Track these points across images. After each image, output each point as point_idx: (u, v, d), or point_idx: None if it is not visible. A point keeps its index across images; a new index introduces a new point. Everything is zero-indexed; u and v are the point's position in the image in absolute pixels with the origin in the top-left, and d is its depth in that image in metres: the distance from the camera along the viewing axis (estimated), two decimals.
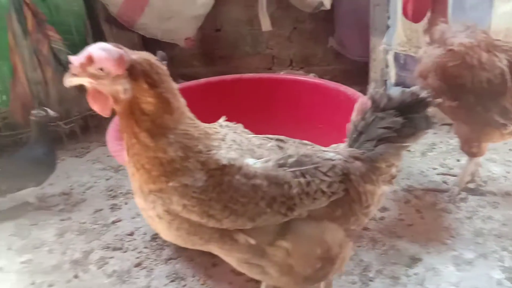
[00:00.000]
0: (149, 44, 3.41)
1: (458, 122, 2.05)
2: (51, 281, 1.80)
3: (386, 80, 3.04)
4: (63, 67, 2.88)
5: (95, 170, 2.65)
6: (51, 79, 2.86)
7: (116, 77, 1.05)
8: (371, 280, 1.70)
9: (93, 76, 1.05)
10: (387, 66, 2.99)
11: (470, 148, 2.04)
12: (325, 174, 1.19)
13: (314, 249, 1.22)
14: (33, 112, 2.21)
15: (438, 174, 2.40)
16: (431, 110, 1.29)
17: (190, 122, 1.16)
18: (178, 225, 1.15)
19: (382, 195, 1.34)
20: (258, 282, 1.62)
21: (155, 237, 2.00)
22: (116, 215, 2.21)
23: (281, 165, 1.17)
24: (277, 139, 1.29)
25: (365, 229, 1.95)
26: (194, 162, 1.11)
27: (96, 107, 1.11)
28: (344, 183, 1.22)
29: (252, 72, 3.14)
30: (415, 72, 2.04)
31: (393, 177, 1.35)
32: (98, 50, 1.04)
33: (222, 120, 1.36)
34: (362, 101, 1.32)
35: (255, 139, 1.28)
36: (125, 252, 1.94)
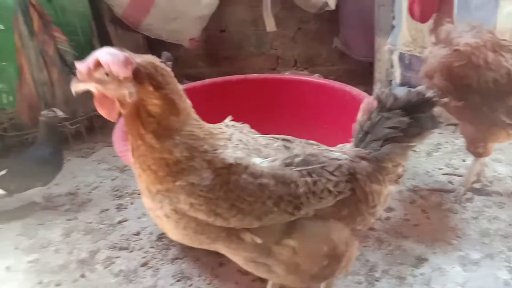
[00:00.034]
0: (153, 45, 3.43)
1: (464, 122, 2.04)
2: (58, 280, 1.81)
3: (391, 80, 3.04)
4: (69, 68, 2.90)
5: (100, 170, 2.66)
6: (57, 80, 2.88)
7: (122, 81, 1.06)
8: (377, 280, 1.70)
9: (99, 81, 1.06)
10: (392, 66, 2.99)
11: (476, 148, 2.03)
12: (331, 173, 1.20)
13: (320, 247, 1.23)
14: (43, 112, 2.22)
15: (443, 174, 2.40)
16: (437, 110, 1.29)
17: (195, 123, 1.17)
18: (186, 224, 1.16)
19: (388, 195, 1.34)
20: (264, 282, 1.62)
21: (161, 237, 2.01)
22: (122, 215, 2.22)
23: (287, 165, 1.17)
24: (284, 139, 1.29)
25: (371, 229, 1.95)
26: (200, 161, 1.12)
27: (103, 112, 1.13)
28: (350, 182, 1.22)
29: (256, 72, 3.15)
30: (420, 72, 2.04)
31: (400, 176, 1.35)
32: (105, 54, 1.05)
33: (228, 120, 1.36)
34: (368, 101, 1.32)
35: (262, 139, 1.28)
36: (131, 251, 1.95)
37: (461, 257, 1.80)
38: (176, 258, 1.88)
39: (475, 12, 2.50)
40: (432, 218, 2.05)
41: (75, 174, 2.61)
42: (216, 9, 3.32)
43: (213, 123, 1.28)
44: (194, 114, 1.19)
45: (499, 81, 1.82)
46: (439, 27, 1.97)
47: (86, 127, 3.03)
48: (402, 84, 2.93)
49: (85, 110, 2.96)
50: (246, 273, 1.66)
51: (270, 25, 3.35)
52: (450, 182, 2.32)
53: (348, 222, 1.26)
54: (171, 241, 1.97)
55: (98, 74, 1.05)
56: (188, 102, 1.18)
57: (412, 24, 2.70)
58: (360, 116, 1.33)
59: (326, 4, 3.21)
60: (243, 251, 1.22)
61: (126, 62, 1.05)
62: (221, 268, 1.80)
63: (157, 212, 1.19)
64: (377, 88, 1.30)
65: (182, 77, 3.03)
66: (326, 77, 3.17)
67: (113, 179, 2.56)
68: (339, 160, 1.23)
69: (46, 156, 2.21)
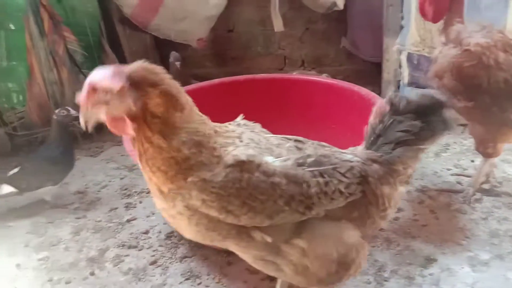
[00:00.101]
0: (161, 45, 3.44)
1: (473, 123, 2.03)
2: (68, 278, 1.82)
3: (399, 81, 3.03)
4: (78, 67, 2.93)
5: (109, 169, 2.68)
6: (66, 79, 2.91)
7: (121, 93, 1.07)
8: (386, 280, 1.70)
9: (101, 102, 1.08)
10: (400, 66, 2.98)
11: (486, 148, 2.02)
12: (343, 175, 1.20)
13: (330, 250, 1.23)
14: (56, 111, 2.23)
15: (452, 174, 2.39)
16: (450, 114, 1.29)
17: (199, 119, 1.18)
18: (198, 221, 1.17)
19: (399, 196, 1.34)
20: (272, 281, 1.63)
21: (170, 235, 2.02)
22: (131, 213, 2.23)
23: (300, 164, 1.18)
24: (296, 140, 1.29)
25: (380, 229, 1.94)
26: (208, 157, 1.13)
27: (120, 132, 1.16)
28: (361, 185, 1.23)
29: (263, 72, 3.15)
30: (430, 72, 2.03)
31: (410, 177, 1.35)
32: (93, 77, 1.07)
33: (240, 119, 1.37)
34: (380, 104, 1.33)
35: (273, 138, 1.29)
36: (140, 250, 1.96)
37: (470, 257, 1.79)
38: (185, 257, 1.89)
39: (485, 12, 2.49)
40: (441, 218, 2.04)
41: (84, 173, 2.63)
42: (224, 9, 3.32)
43: (221, 123, 1.29)
44: (197, 111, 1.20)
45: (509, 81, 1.81)
46: (449, 27, 1.96)
47: (95, 127, 3.04)
48: (410, 85, 2.92)
49: None
50: (255, 272, 1.67)
51: (278, 25, 3.34)
52: (459, 183, 2.31)
53: (358, 225, 1.27)
54: (180, 239, 1.98)
55: (97, 97, 1.07)
56: (189, 98, 1.19)
57: (421, 24, 2.69)
58: (372, 119, 1.33)
59: (335, 4, 3.20)
60: (253, 249, 1.23)
61: (115, 73, 1.07)
62: (230, 267, 1.80)
63: (170, 211, 1.20)
64: (389, 91, 1.30)
65: (189, 77, 3.03)
66: (333, 77, 3.17)
67: (121, 178, 2.57)
68: (351, 162, 1.24)
69: (58, 155, 2.23)
